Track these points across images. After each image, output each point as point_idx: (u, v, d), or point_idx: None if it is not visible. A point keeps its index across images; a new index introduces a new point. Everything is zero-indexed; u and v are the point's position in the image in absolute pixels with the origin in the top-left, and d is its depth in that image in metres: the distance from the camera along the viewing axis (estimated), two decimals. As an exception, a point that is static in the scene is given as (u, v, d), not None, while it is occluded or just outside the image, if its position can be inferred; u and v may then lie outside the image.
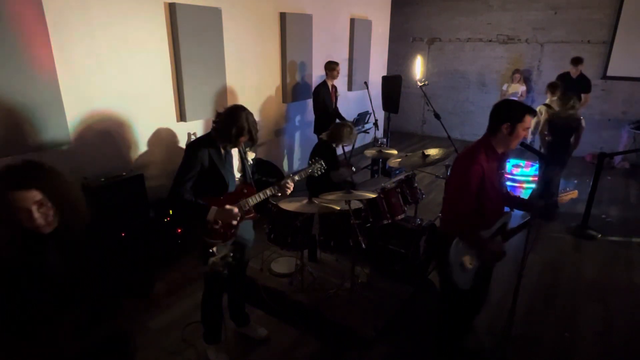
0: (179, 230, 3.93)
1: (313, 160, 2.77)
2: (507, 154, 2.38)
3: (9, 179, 1.33)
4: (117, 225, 3.46)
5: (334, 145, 3.87)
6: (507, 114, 2.21)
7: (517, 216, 2.48)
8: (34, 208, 1.35)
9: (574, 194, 2.43)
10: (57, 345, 1.42)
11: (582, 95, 5.92)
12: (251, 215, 2.55)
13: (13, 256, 1.38)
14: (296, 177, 2.63)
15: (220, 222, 2.35)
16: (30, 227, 1.38)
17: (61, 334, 1.43)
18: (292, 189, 2.57)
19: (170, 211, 3.89)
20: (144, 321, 3.07)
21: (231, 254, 1.74)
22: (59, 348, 1.42)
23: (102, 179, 3.49)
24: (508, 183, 5.95)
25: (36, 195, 1.35)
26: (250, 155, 2.58)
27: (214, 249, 1.77)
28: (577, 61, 6.09)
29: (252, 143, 2.48)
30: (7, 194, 1.32)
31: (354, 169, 3.41)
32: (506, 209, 2.50)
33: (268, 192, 2.52)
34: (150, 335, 2.96)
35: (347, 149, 5.89)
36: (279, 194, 2.57)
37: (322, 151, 3.77)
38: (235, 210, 2.36)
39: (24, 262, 1.41)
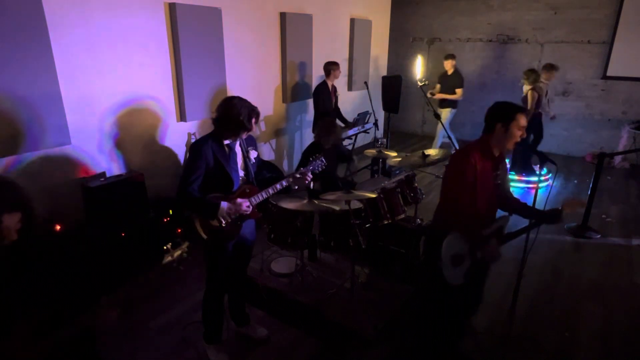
0: (179, 230, 3.93)
1: (313, 156, 2.77)
2: (504, 157, 2.39)
3: (7, 200, 1.39)
4: (117, 225, 3.46)
5: (326, 147, 3.83)
6: (500, 113, 2.25)
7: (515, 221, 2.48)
8: (14, 227, 1.42)
9: (581, 203, 2.42)
10: (12, 351, 1.43)
11: (456, 90, 6.52)
12: (254, 214, 2.55)
13: None
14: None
15: (229, 218, 2.38)
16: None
17: (16, 340, 1.44)
18: (310, 178, 2.61)
19: (171, 211, 3.89)
20: (144, 321, 3.08)
21: (186, 250, 1.74)
22: (16, 354, 1.43)
23: (102, 179, 3.49)
24: (520, 185, 5.97)
25: (18, 215, 1.42)
26: (253, 154, 2.59)
27: (169, 245, 1.74)
28: (449, 57, 6.62)
29: (257, 120, 2.47)
30: (3, 215, 1.37)
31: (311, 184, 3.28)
32: (503, 213, 2.50)
33: (278, 186, 2.53)
34: (150, 335, 2.96)
35: (347, 148, 5.90)
36: (296, 187, 2.60)
37: (312, 153, 3.74)
38: (246, 202, 2.40)
39: None
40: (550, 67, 5.99)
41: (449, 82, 6.50)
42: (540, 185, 5.80)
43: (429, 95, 6.34)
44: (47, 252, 1.58)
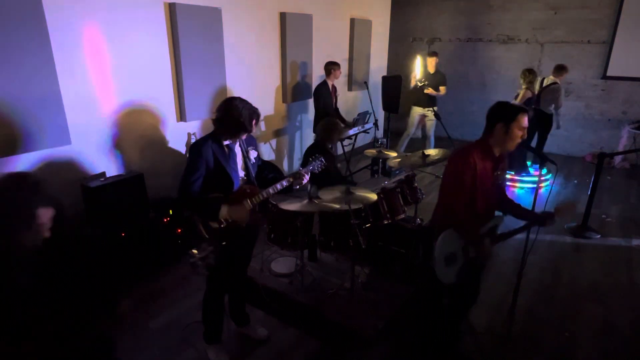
0: (179, 230, 3.93)
1: (313, 157, 2.78)
2: (504, 157, 2.39)
3: (34, 197, 1.39)
4: (117, 226, 3.46)
5: (329, 146, 3.84)
6: (500, 114, 2.25)
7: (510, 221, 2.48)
8: (48, 223, 1.42)
9: (572, 205, 2.43)
10: (35, 355, 1.42)
11: (440, 88, 6.40)
12: (256, 216, 2.56)
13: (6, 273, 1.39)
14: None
15: (230, 219, 2.37)
16: (30, 244, 1.42)
17: (36, 343, 1.43)
18: (307, 178, 2.63)
19: (171, 211, 3.89)
20: (144, 321, 3.08)
21: (212, 255, 1.76)
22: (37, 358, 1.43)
23: (102, 179, 3.49)
24: (523, 186, 5.98)
25: (52, 212, 1.44)
26: (253, 154, 2.59)
27: (194, 251, 1.79)
28: (433, 54, 6.46)
29: (257, 121, 2.49)
30: (34, 211, 1.38)
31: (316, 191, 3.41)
32: (499, 213, 2.51)
33: (278, 186, 2.54)
34: (150, 335, 2.96)
35: (347, 148, 5.90)
36: (297, 187, 2.62)
37: (316, 152, 3.75)
38: (247, 206, 2.39)
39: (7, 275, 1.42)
40: (560, 68, 6.03)
41: (433, 80, 6.40)
42: (542, 185, 5.81)
43: (415, 83, 6.32)
44: (70, 254, 1.59)
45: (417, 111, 6.60)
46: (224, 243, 2.42)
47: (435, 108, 6.44)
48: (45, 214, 1.41)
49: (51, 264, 1.53)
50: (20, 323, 1.42)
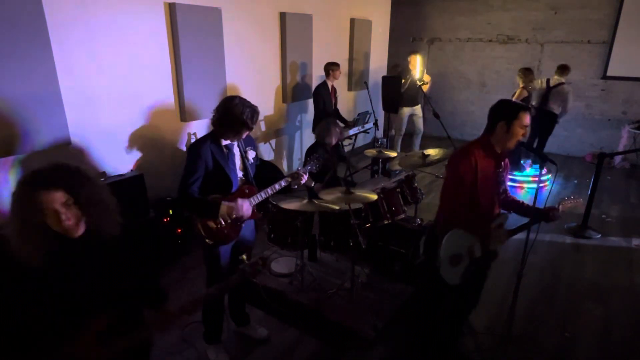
0: (179, 230, 3.93)
1: (311, 157, 2.79)
2: (506, 154, 2.39)
3: (35, 180, 1.32)
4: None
5: (329, 146, 3.86)
6: (502, 112, 2.24)
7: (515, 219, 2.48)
8: (62, 209, 1.32)
9: (579, 203, 2.43)
10: (76, 355, 1.39)
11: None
12: (254, 214, 2.56)
13: (41, 262, 1.34)
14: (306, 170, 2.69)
15: (230, 219, 2.38)
16: (59, 231, 1.35)
17: (82, 343, 1.41)
18: (306, 178, 2.67)
19: (171, 211, 3.89)
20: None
21: (260, 261, 1.78)
22: (79, 358, 1.40)
23: (102, 179, 3.49)
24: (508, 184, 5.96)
25: (62, 196, 1.32)
26: (251, 154, 2.59)
27: (243, 256, 1.81)
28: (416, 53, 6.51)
29: (256, 119, 2.50)
30: (34, 194, 1.29)
31: (312, 183, 3.53)
32: (503, 211, 2.50)
33: (277, 186, 2.54)
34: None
35: (347, 148, 5.90)
36: (295, 187, 2.64)
37: (315, 152, 3.77)
38: (247, 203, 2.39)
39: (50, 268, 1.37)
40: (564, 68, 6.05)
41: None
42: (538, 184, 5.81)
43: (408, 81, 6.36)
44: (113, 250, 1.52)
45: (405, 111, 6.64)
46: (209, 242, 2.43)
47: (420, 105, 6.51)
48: (51, 199, 1.30)
49: (96, 253, 1.47)
50: (71, 320, 1.40)
